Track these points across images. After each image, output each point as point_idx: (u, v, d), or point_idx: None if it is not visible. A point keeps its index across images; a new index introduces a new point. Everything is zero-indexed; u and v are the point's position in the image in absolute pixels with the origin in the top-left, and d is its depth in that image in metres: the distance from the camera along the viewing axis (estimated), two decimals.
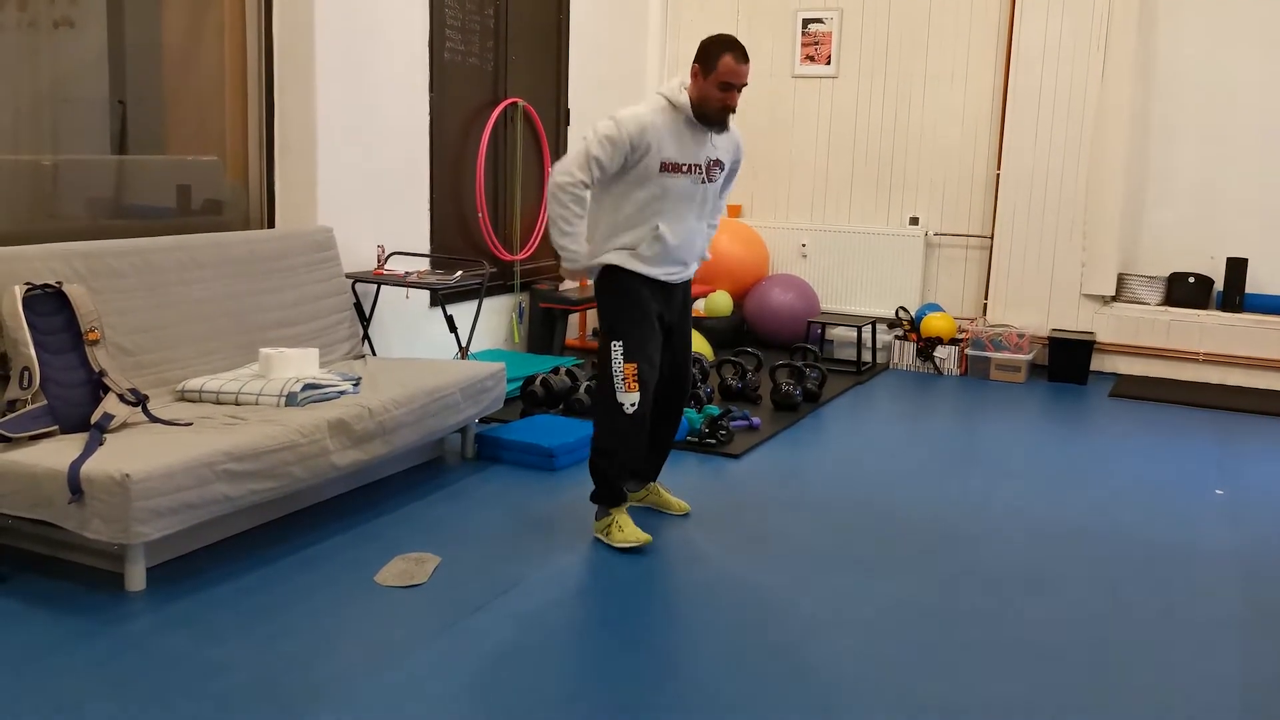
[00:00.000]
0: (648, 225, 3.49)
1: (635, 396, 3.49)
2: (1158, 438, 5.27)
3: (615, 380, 3.49)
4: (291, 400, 3.69)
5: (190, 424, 3.46)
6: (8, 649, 2.74)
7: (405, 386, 4.03)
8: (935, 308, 7.01)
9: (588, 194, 3.49)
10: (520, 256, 6.39)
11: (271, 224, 4.86)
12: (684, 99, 3.44)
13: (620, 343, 3.50)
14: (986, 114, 6.95)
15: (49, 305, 3.40)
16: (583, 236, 3.50)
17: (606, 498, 3.64)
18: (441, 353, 5.67)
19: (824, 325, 6.90)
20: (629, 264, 3.50)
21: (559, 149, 6.80)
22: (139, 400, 3.48)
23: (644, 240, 3.49)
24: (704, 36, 3.50)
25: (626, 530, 3.59)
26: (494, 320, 6.27)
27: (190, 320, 4.00)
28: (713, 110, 3.45)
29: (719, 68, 3.39)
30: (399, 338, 5.43)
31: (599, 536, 3.63)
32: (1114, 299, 6.74)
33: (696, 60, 3.43)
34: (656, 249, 3.50)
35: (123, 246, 3.85)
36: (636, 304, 3.53)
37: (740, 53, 3.41)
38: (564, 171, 3.42)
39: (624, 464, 3.60)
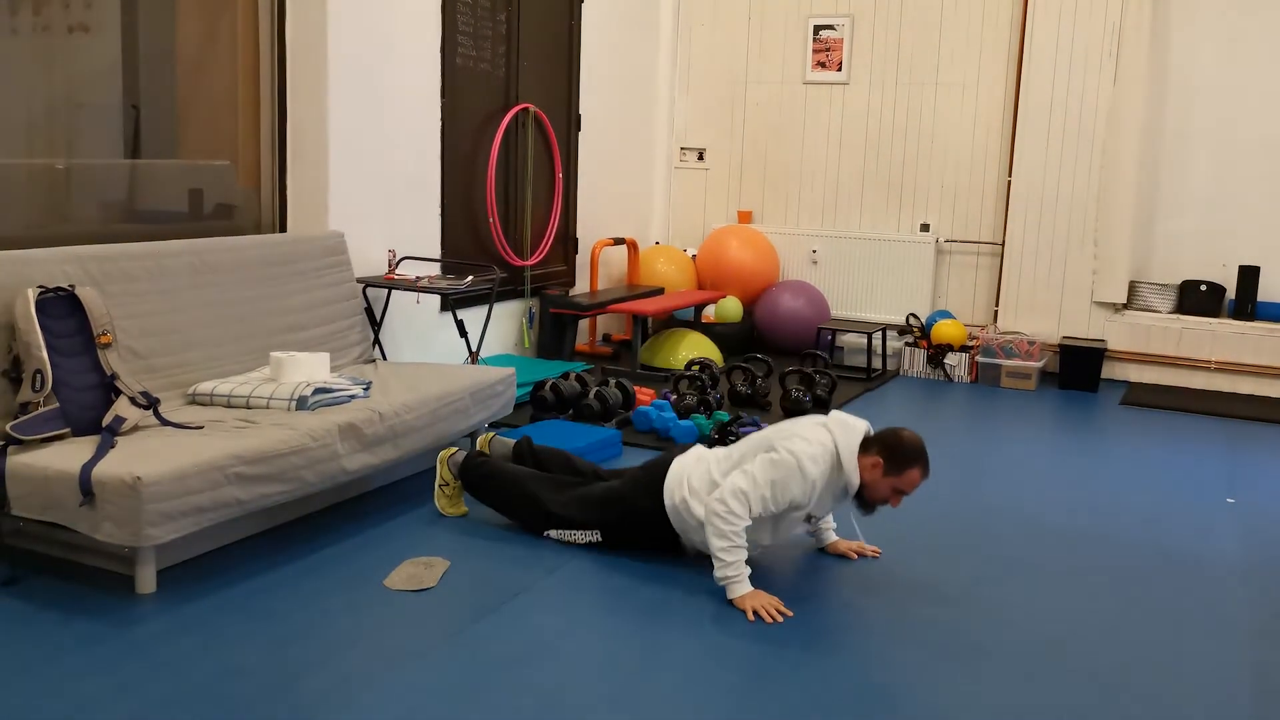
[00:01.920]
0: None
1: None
2: (1169, 446, 5.26)
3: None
4: (302, 404, 3.70)
5: (201, 427, 3.47)
6: (18, 651, 2.75)
7: (415, 391, 4.04)
8: (946, 315, 7.00)
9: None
10: (531, 262, 6.41)
11: (283, 228, 4.88)
12: (855, 475, 3.22)
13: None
14: (998, 121, 6.95)
15: (62, 308, 3.42)
16: (737, 564, 3.18)
17: (491, 501, 3.73)
18: (452, 357, 5.68)
19: (834, 331, 6.90)
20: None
21: (570, 154, 6.81)
22: (150, 403, 3.50)
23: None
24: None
25: (456, 501, 3.85)
26: (504, 325, 6.28)
27: (202, 324, 4.02)
28: (876, 502, 3.28)
29: (905, 476, 3.20)
30: (409, 342, 5.44)
31: (439, 485, 3.83)
32: (1125, 307, 6.73)
33: (883, 454, 3.20)
34: None
35: (135, 250, 3.86)
36: None
37: (928, 468, 3.23)
38: (728, 511, 3.15)
39: (565, 522, 3.62)
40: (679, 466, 3.45)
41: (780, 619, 3.08)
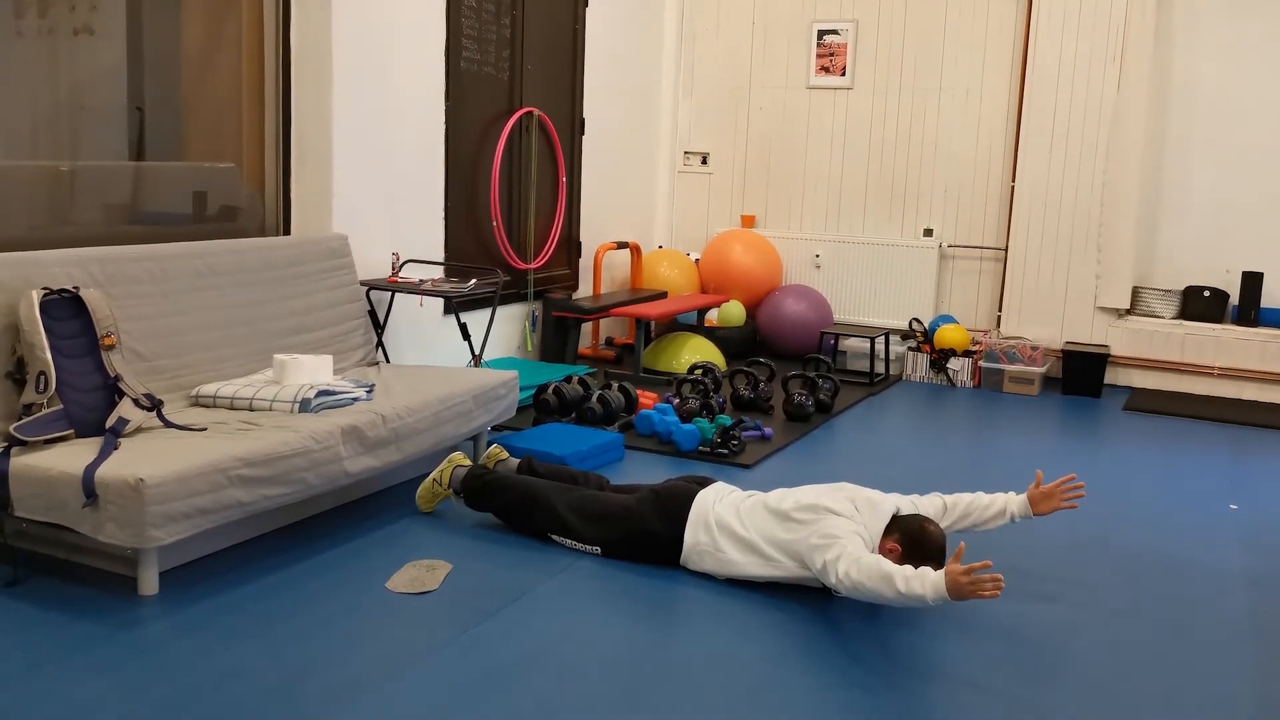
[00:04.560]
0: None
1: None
2: (1171, 452, 5.25)
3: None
4: (305, 406, 3.70)
5: (204, 429, 3.47)
6: (21, 653, 2.76)
7: (418, 394, 4.04)
8: (949, 319, 6.99)
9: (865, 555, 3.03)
10: (534, 265, 6.41)
11: (287, 231, 4.89)
12: (873, 545, 3.18)
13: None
14: (1001, 126, 6.95)
15: (66, 310, 3.42)
16: (912, 571, 2.89)
17: (492, 506, 3.73)
18: (454, 360, 5.69)
19: (837, 336, 6.90)
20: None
21: (574, 158, 6.82)
22: (154, 405, 3.50)
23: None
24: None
25: (433, 502, 3.90)
26: (507, 328, 6.28)
27: (205, 326, 4.02)
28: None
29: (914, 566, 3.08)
30: (412, 345, 5.44)
31: (433, 479, 3.88)
32: (1128, 312, 6.72)
33: (903, 543, 3.16)
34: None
35: (139, 252, 3.87)
36: None
37: (942, 566, 3.09)
38: (857, 579, 2.95)
39: (571, 531, 3.60)
40: (702, 505, 3.43)
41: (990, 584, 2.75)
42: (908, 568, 2.89)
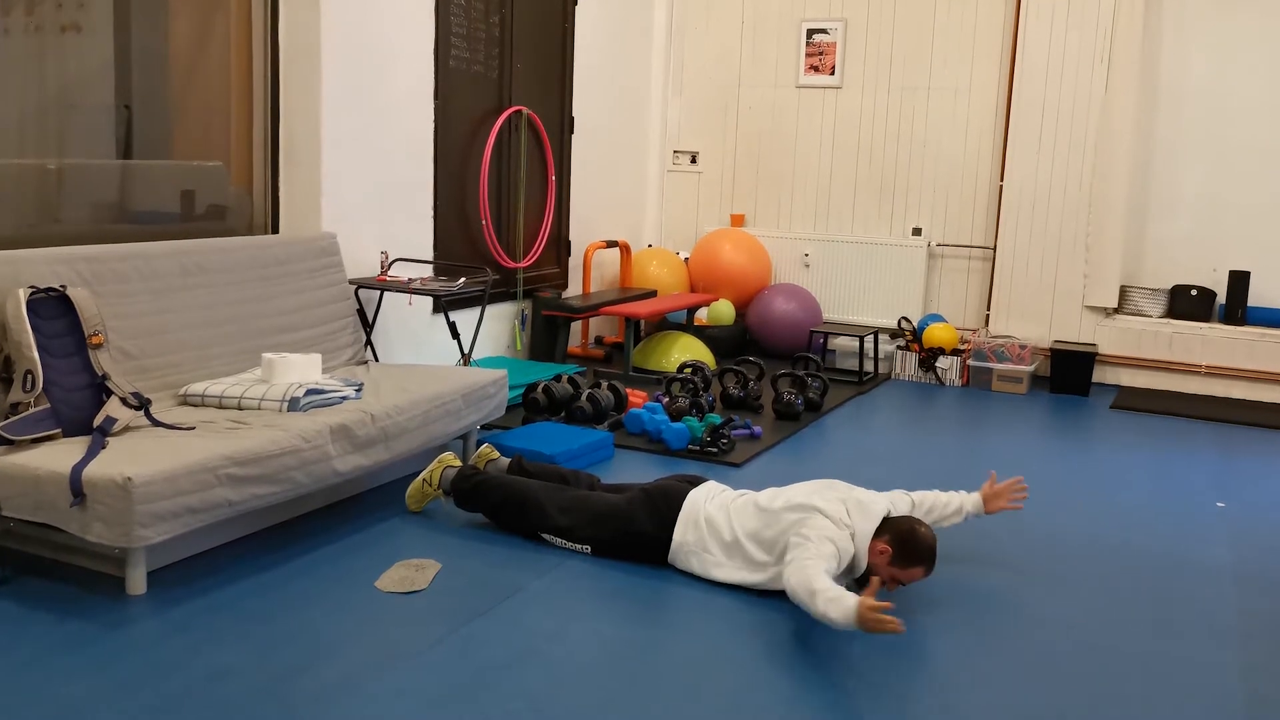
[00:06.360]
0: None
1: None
2: (1159, 450, 5.27)
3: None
4: (294, 405, 3.69)
5: (193, 428, 3.46)
6: (8, 652, 2.74)
7: (407, 392, 4.03)
8: (937, 318, 7.01)
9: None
10: (523, 264, 6.40)
11: (275, 230, 4.87)
12: (864, 559, 3.19)
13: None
14: (990, 125, 6.97)
15: (53, 309, 3.41)
16: (835, 593, 2.84)
17: (482, 506, 3.73)
18: (444, 359, 5.68)
19: (826, 335, 6.91)
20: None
21: (563, 157, 6.81)
22: (141, 404, 3.49)
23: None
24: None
25: (423, 502, 3.90)
26: (496, 327, 6.28)
27: (193, 325, 4.01)
28: (872, 577, 3.17)
29: (907, 571, 3.16)
30: (402, 344, 5.43)
31: (422, 479, 3.88)
32: (1116, 311, 6.75)
33: (893, 545, 3.16)
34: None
35: (127, 251, 3.86)
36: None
37: (932, 568, 3.20)
38: (809, 589, 2.90)
39: (556, 527, 3.60)
40: (692, 505, 3.43)
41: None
42: (832, 589, 2.85)
